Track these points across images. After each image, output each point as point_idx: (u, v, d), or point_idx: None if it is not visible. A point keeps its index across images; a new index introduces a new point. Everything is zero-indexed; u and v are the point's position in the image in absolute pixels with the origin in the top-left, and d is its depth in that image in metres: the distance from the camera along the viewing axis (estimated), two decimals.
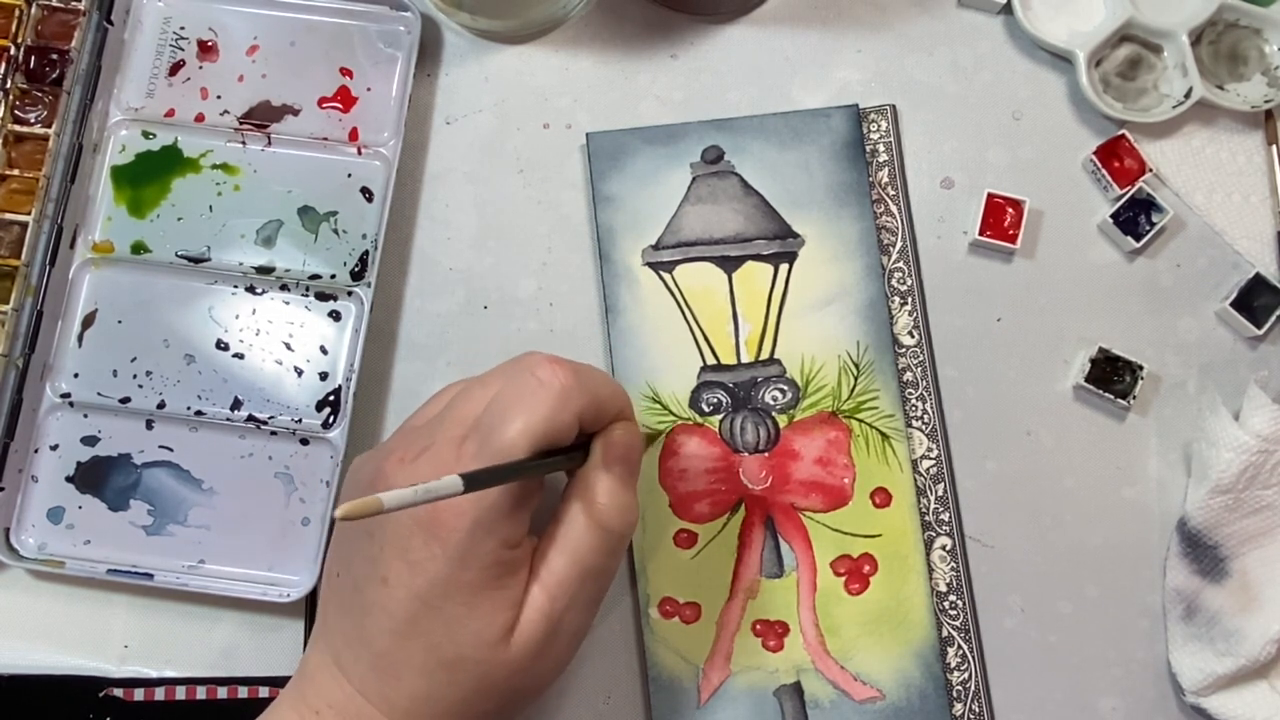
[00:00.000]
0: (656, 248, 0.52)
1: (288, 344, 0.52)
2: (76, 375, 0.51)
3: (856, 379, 0.51)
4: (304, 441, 0.51)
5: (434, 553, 0.36)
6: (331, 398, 0.51)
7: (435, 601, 0.37)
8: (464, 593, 0.37)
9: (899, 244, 0.52)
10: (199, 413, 0.51)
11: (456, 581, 0.36)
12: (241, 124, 0.54)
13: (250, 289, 0.52)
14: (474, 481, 0.33)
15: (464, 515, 0.36)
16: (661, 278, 0.52)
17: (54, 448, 0.51)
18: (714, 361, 0.51)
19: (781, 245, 0.52)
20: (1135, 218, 0.52)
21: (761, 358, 0.51)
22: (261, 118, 0.54)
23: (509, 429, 0.36)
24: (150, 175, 0.53)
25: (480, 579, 0.37)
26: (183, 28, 0.55)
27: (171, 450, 0.51)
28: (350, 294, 0.52)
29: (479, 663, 0.37)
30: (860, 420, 0.51)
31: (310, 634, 0.44)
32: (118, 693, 0.50)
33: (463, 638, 0.37)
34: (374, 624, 0.38)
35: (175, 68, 0.54)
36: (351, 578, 0.39)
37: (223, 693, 0.50)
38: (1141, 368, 0.51)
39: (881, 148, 0.53)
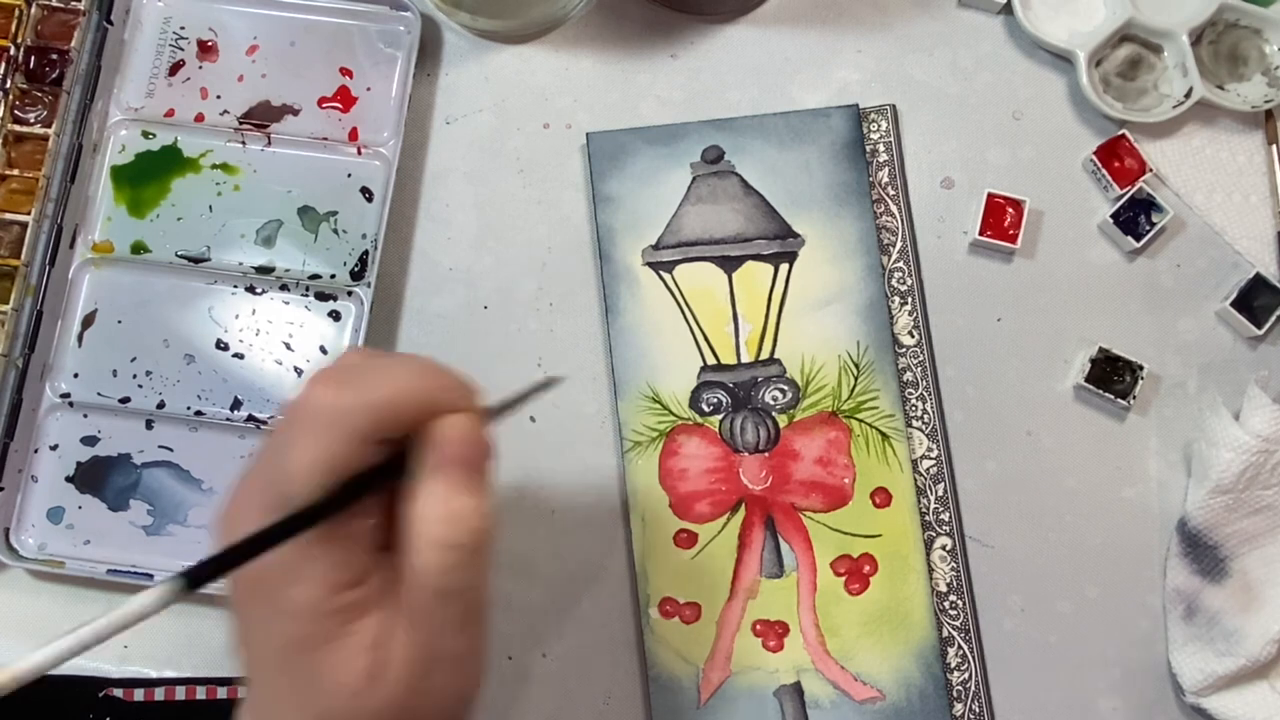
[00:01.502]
0: (656, 248, 0.52)
1: (288, 344, 0.52)
2: (76, 375, 0.51)
3: (856, 379, 0.51)
4: None
5: (267, 615, 0.34)
6: None
7: (287, 662, 0.34)
8: (309, 647, 0.33)
9: (899, 244, 0.52)
10: (199, 413, 0.51)
11: (297, 638, 0.33)
12: (241, 124, 0.54)
13: (250, 289, 0.52)
14: (199, 578, 0.30)
15: (288, 570, 0.33)
16: (661, 278, 0.52)
17: (54, 448, 0.51)
18: (714, 361, 0.51)
19: (781, 245, 0.52)
20: (1135, 218, 0.52)
21: (761, 358, 0.51)
22: (261, 118, 0.54)
23: (281, 476, 0.32)
24: (150, 175, 0.53)
25: (322, 630, 0.33)
26: (183, 28, 0.55)
27: (171, 450, 0.51)
28: (350, 294, 0.52)
29: (351, 712, 0.34)
30: (860, 420, 0.51)
31: None
32: (118, 693, 0.50)
33: (325, 690, 0.34)
34: (250, 689, 0.36)
35: (175, 68, 0.54)
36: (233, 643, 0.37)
37: (223, 693, 0.50)
38: (1141, 368, 0.51)
39: (881, 148, 0.53)
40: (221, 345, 0.52)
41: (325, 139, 0.53)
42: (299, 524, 0.32)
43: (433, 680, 0.34)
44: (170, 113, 0.54)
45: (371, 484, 0.33)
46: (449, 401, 0.34)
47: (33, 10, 0.53)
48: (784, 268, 0.52)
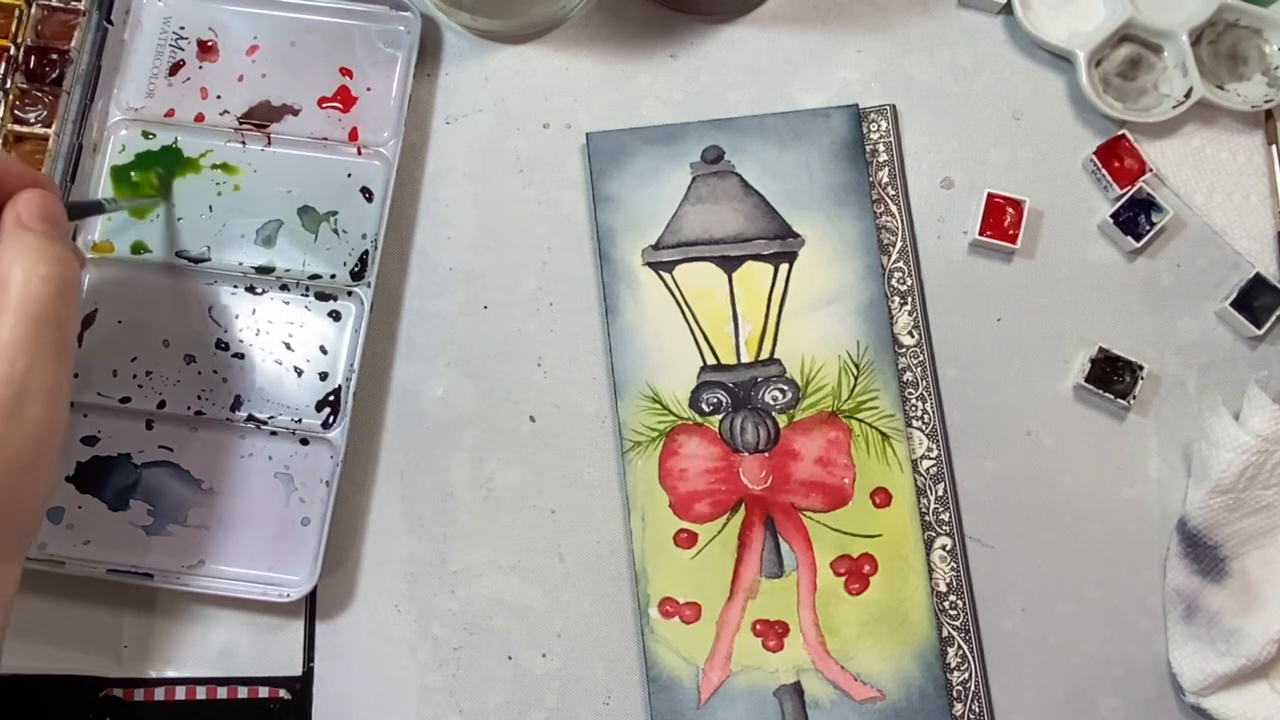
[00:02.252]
0: (656, 248, 0.52)
1: (288, 344, 0.52)
2: (76, 375, 0.51)
3: (856, 379, 0.51)
4: (304, 441, 0.51)
5: None
6: (331, 398, 0.51)
7: None
8: None
9: (899, 244, 0.52)
10: (199, 413, 0.51)
11: None
12: (241, 124, 0.54)
13: (250, 289, 0.52)
14: None
15: None
16: (661, 278, 0.52)
17: None
18: (714, 361, 0.51)
19: (781, 245, 0.52)
20: (1135, 218, 0.52)
21: (761, 358, 0.51)
22: (261, 118, 0.54)
23: None
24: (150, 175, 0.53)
25: None
26: (183, 28, 0.55)
27: (171, 450, 0.51)
28: (350, 294, 0.52)
29: None
30: (860, 420, 0.51)
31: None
32: (118, 693, 0.50)
33: None
34: None
35: (175, 68, 0.54)
36: None
37: (223, 693, 0.50)
38: (1141, 368, 0.51)
39: (881, 148, 0.53)
40: (221, 345, 0.52)
41: (325, 139, 0.53)
42: None
43: (25, 412, 0.38)
44: (170, 113, 0.54)
45: None
46: (30, 180, 0.41)
47: (33, 10, 0.53)
48: (784, 268, 0.52)
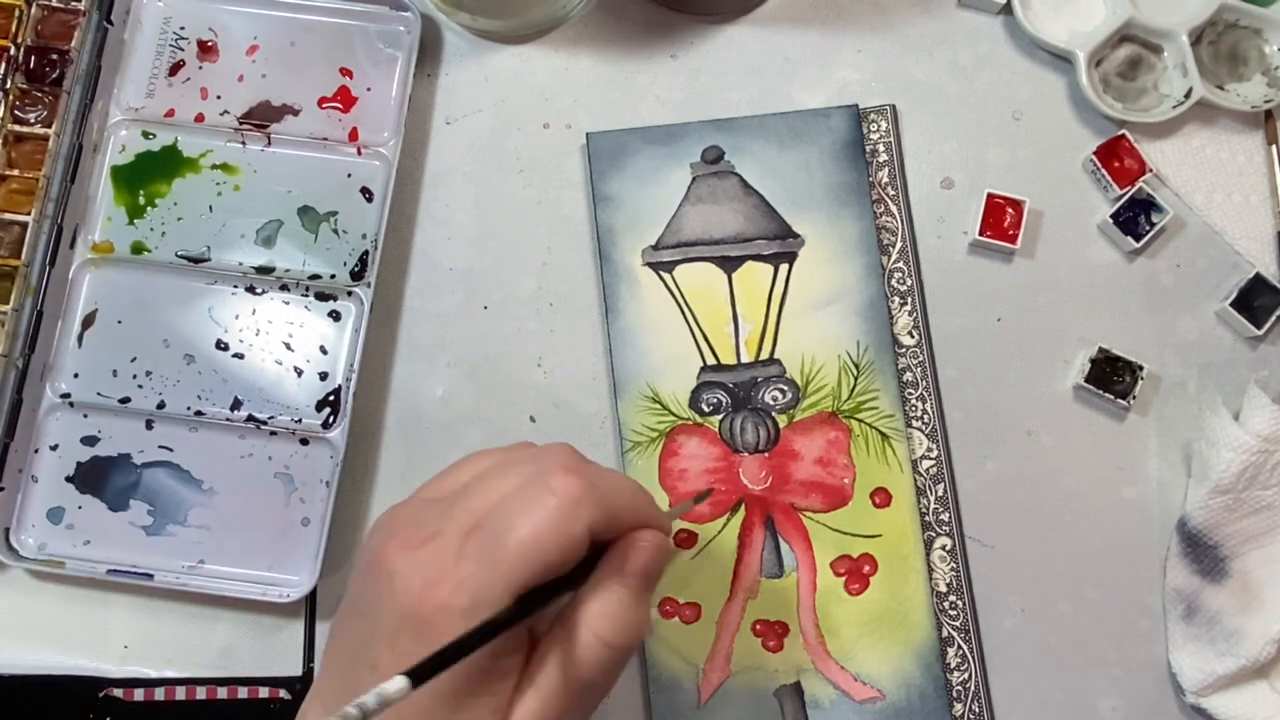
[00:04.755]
0: (656, 248, 0.52)
1: (288, 344, 0.52)
2: (76, 375, 0.51)
3: (856, 379, 0.51)
4: (304, 441, 0.51)
5: (421, 652, 0.34)
6: (331, 398, 0.51)
7: (418, 699, 0.34)
8: (447, 695, 0.35)
9: (899, 244, 0.52)
10: (199, 413, 0.51)
11: (440, 683, 0.34)
12: (241, 124, 0.54)
13: (250, 289, 0.52)
14: (422, 673, 0.31)
15: (454, 619, 0.34)
16: (661, 278, 0.52)
17: (54, 448, 0.51)
18: (714, 361, 0.51)
19: (781, 245, 0.52)
20: (1135, 218, 0.52)
21: (761, 358, 0.51)
22: (261, 118, 0.54)
23: (511, 539, 0.35)
24: (150, 175, 0.53)
25: (465, 685, 0.35)
26: (183, 28, 0.55)
27: (171, 450, 0.51)
28: (350, 294, 0.52)
29: None
30: (860, 420, 0.51)
31: (313, 670, 0.45)
32: (118, 693, 0.50)
33: None
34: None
35: (175, 68, 0.54)
36: (346, 650, 0.38)
37: (223, 693, 0.50)
38: (1141, 368, 0.51)
39: (881, 148, 0.53)
40: (221, 345, 0.52)
41: (325, 139, 0.53)
42: (518, 614, 0.34)
43: None
44: (170, 113, 0.54)
45: (568, 584, 0.36)
46: (653, 520, 0.38)
47: (33, 10, 0.53)
48: (784, 268, 0.52)
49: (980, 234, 0.52)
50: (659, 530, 0.38)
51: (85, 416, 0.51)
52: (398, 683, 0.31)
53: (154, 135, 0.54)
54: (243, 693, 0.50)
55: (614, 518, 0.36)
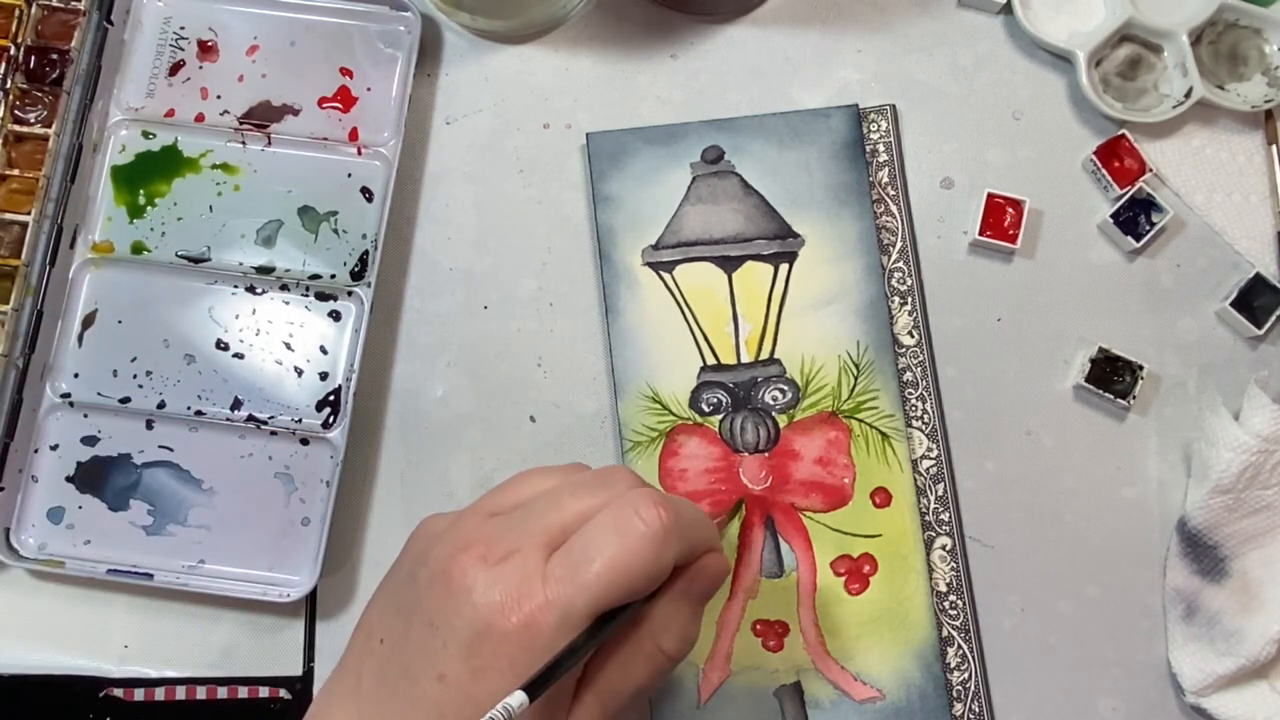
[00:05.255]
0: (656, 248, 0.52)
1: (288, 344, 0.52)
2: (76, 375, 0.51)
3: (856, 379, 0.51)
4: (304, 441, 0.51)
5: (500, 665, 0.35)
6: (331, 398, 0.51)
7: (487, 707, 0.35)
8: None
9: (899, 244, 0.52)
10: (199, 413, 0.51)
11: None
12: (241, 124, 0.54)
13: (250, 289, 0.52)
14: (536, 687, 0.33)
15: (541, 636, 0.35)
16: (661, 278, 0.52)
17: (54, 448, 0.51)
18: (714, 361, 0.51)
19: (781, 245, 0.52)
20: (1135, 218, 0.52)
21: (761, 358, 0.51)
22: (261, 118, 0.54)
23: (600, 565, 0.35)
24: (150, 175, 0.53)
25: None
26: (183, 28, 0.55)
27: (171, 450, 0.51)
28: (350, 294, 0.52)
29: None
30: (860, 420, 0.51)
31: (328, 664, 0.44)
32: (118, 693, 0.50)
33: None
34: (421, 716, 0.37)
35: (175, 68, 0.54)
36: (402, 658, 0.38)
37: (223, 693, 0.50)
38: (1141, 368, 0.51)
39: (881, 148, 0.53)
40: (221, 345, 0.52)
41: (325, 139, 0.53)
42: (577, 652, 0.35)
43: None
44: (170, 113, 0.54)
45: (618, 625, 0.37)
46: (715, 544, 0.40)
47: (33, 10, 0.53)
48: (784, 268, 0.52)
49: (980, 234, 0.52)
50: (720, 554, 0.40)
51: (85, 416, 0.51)
52: (519, 697, 0.32)
53: (154, 135, 0.54)
54: (243, 693, 0.50)
55: (692, 550, 0.38)
